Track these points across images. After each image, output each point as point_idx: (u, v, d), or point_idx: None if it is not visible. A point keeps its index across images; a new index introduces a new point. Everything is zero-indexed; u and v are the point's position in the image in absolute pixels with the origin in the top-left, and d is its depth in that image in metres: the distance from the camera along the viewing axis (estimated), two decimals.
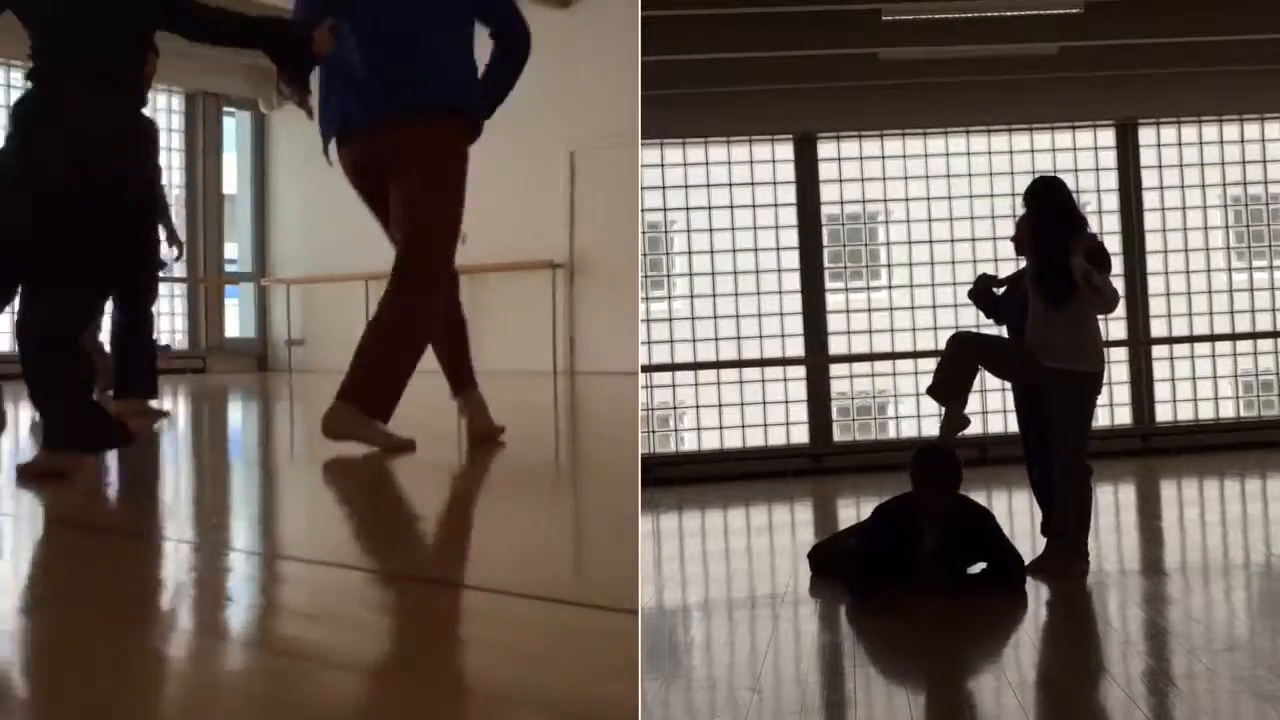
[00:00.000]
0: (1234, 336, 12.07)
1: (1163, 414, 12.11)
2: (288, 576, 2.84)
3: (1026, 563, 5.12)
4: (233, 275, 16.40)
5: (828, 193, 12.09)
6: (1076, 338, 5.22)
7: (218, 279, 15.86)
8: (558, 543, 3.26)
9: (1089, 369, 5.22)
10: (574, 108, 13.16)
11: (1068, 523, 5.20)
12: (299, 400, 10.18)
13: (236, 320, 16.49)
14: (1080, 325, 5.23)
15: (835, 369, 12.04)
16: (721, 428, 11.97)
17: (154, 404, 7.91)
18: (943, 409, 5.33)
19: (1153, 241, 12.08)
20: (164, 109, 15.00)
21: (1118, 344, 11.85)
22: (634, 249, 12.06)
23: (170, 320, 15.24)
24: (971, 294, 5.80)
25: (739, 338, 11.99)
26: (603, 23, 12.44)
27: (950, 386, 5.27)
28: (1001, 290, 5.75)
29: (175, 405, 9.47)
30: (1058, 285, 5.16)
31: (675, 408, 12.05)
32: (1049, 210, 5.31)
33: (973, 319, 8.50)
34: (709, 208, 12.06)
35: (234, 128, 16.35)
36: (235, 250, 16.68)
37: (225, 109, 15.90)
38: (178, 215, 15.00)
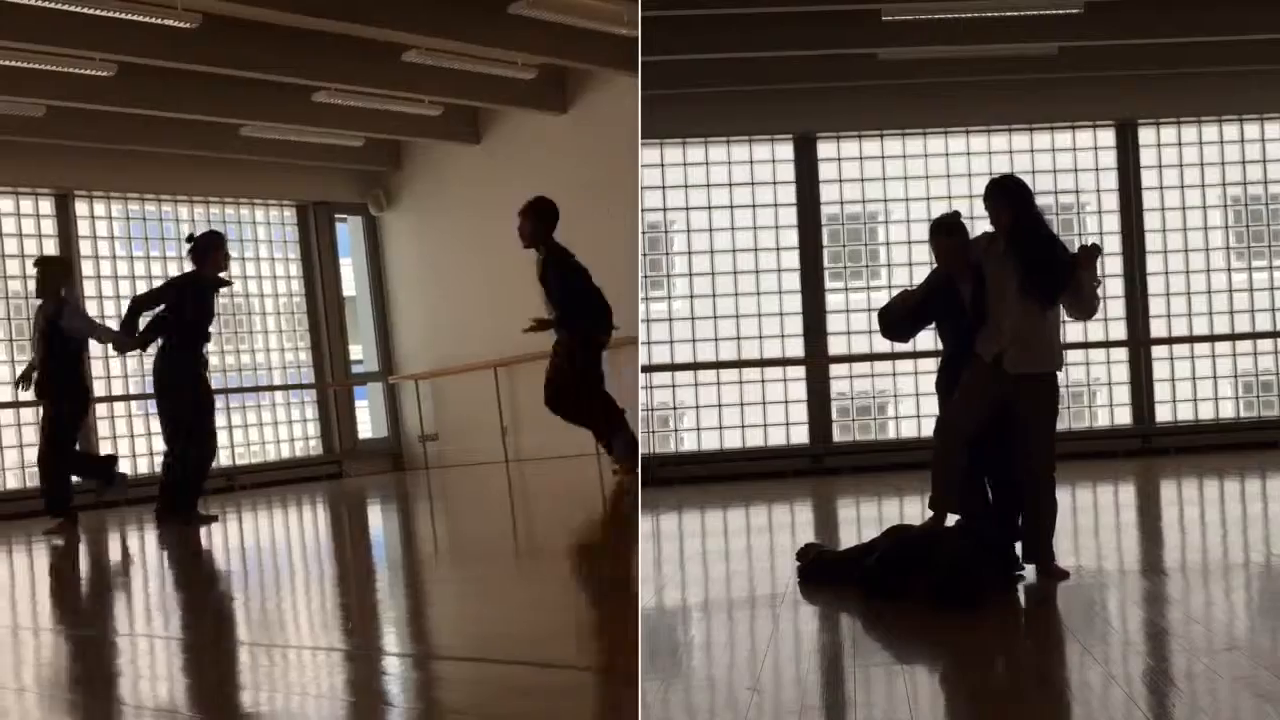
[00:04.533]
0: (1234, 336, 12.06)
1: (1163, 414, 12.10)
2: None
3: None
4: (360, 376, 16.12)
5: (828, 193, 12.08)
6: (1056, 340, 5.25)
7: (346, 381, 15.50)
8: None
9: (1056, 369, 5.24)
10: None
11: (1041, 531, 5.14)
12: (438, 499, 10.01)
13: (368, 421, 16.25)
14: (1058, 327, 5.27)
15: (835, 369, 12.04)
16: (721, 428, 11.96)
17: None
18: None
19: (1153, 241, 12.06)
20: (277, 222, 14.99)
21: (1118, 344, 11.84)
22: (634, 249, 12.05)
23: (303, 427, 15.02)
24: (889, 313, 5.62)
25: (739, 338, 11.98)
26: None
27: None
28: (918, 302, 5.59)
29: (315, 513, 9.65)
30: (1052, 287, 5.15)
31: (675, 408, 12.04)
32: (1031, 209, 5.34)
33: None
34: (709, 208, 12.05)
35: (347, 232, 16.30)
36: (360, 351, 16.52)
37: (336, 215, 15.81)
38: (299, 323, 14.99)
